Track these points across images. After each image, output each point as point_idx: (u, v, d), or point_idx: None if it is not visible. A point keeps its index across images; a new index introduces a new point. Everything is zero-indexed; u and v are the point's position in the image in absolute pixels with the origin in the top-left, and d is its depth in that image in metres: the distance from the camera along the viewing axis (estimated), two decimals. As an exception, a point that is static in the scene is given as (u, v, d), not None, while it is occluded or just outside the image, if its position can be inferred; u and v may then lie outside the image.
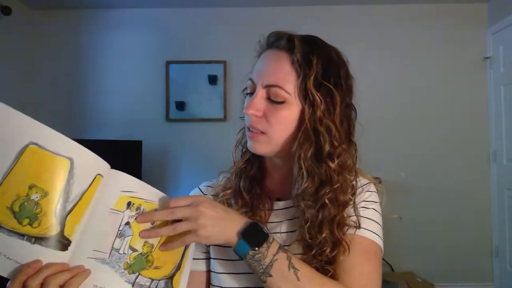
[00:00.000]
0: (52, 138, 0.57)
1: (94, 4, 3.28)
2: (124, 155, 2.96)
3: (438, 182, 3.18)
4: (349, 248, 0.68)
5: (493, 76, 3.16)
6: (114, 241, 0.60)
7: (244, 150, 0.81)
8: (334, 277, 0.68)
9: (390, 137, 3.22)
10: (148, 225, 0.64)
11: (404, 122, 3.23)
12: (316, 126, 0.68)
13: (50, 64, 3.34)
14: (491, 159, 3.17)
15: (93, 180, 0.58)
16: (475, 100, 3.23)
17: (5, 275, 0.54)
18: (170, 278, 0.67)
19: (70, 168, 0.56)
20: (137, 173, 2.90)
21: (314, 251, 0.68)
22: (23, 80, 3.22)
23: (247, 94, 0.76)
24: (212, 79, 3.28)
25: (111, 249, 0.60)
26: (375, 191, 0.77)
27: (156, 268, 0.64)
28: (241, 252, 0.63)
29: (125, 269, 0.60)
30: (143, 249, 0.62)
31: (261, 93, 0.71)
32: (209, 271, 0.79)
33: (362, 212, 0.73)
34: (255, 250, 0.62)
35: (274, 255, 0.62)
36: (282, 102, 0.69)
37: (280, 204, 0.78)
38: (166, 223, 0.64)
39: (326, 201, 0.68)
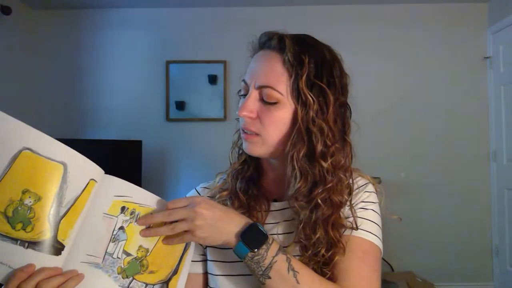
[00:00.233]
0: (46, 143, 0.56)
1: (94, 4, 3.28)
2: (124, 155, 2.96)
3: (438, 182, 3.18)
4: (345, 249, 0.67)
5: (493, 76, 3.16)
6: (107, 246, 0.60)
7: (240, 151, 0.81)
8: (332, 279, 0.67)
9: (390, 137, 3.22)
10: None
11: (404, 122, 3.23)
12: (309, 126, 0.67)
13: (50, 64, 3.34)
14: (491, 159, 3.17)
15: (86, 185, 0.59)
16: (475, 100, 3.22)
17: None
18: (166, 282, 0.66)
19: (63, 173, 0.57)
20: (137, 173, 2.91)
21: (309, 251, 0.67)
22: (22, 80, 3.22)
23: (241, 95, 0.75)
24: (212, 79, 3.28)
25: (105, 254, 0.60)
26: (373, 192, 0.76)
27: (150, 272, 0.64)
28: (239, 254, 0.62)
29: (119, 274, 0.60)
30: (137, 253, 0.62)
31: (254, 94, 0.71)
32: (206, 273, 0.79)
33: (360, 213, 0.72)
34: (254, 252, 0.61)
35: (274, 256, 0.61)
36: (275, 103, 0.69)
37: (277, 205, 0.78)
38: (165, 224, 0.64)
39: (319, 201, 0.67)
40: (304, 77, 0.67)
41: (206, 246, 0.78)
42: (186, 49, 3.32)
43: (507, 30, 2.98)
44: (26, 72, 3.26)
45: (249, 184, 0.79)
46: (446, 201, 3.16)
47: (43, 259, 0.55)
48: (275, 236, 0.74)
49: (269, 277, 0.61)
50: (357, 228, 0.70)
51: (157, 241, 0.65)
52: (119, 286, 0.60)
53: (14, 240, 0.54)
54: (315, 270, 0.67)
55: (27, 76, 3.26)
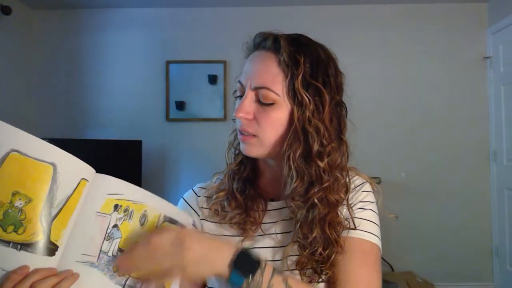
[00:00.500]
0: (34, 145, 0.56)
1: (94, 4, 3.28)
2: (124, 155, 2.96)
3: (438, 182, 3.18)
4: (342, 247, 0.68)
5: (493, 76, 3.16)
6: (102, 244, 0.60)
7: (236, 152, 0.81)
8: (333, 279, 0.68)
9: (390, 137, 3.22)
10: (137, 227, 0.63)
11: (404, 122, 3.23)
12: (305, 126, 0.67)
13: (50, 64, 3.34)
14: (491, 159, 3.17)
15: (77, 185, 0.58)
16: (475, 100, 3.22)
17: None
18: None
19: (53, 174, 0.56)
20: (137, 173, 2.91)
21: (307, 250, 0.67)
22: (22, 80, 3.22)
23: (237, 97, 0.75)
24: (212, 79, 3.28)
25: (100, 252, 0.60)
26: (371, 191, 0.76)
27: None
28: (235, 284, 0.59)
29: (115, 272, 0.60)
30: None
31: (250, 95, 0.70)
32: None
33: (359, 213, 0.72)
34: (250, 279, 0.58)
35: (270, 279, 0.59)
36: (271, 104, 0.69)
37: (274, 205, 0.78)
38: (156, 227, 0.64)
39: (316, 200, 0.67)
40: (299, 77, 0.67)
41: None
42: (186, 49, 3.32)
43: (507, 30, 2.98)
44: (26, 72, 3.26)
45: (246, 184, 0.79)
46: (446, 201, 3.16)
47: (37, 261, 0.55)
48: (274, 235, 0.75)
49: None
50: (355, 228, 0.70)
51: None
52: (115, 284, 0.60)
53: (6, 242, 0.53)
54: (314, 269, 0.67)
55: (27, 76, 3.26)
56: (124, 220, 0.62)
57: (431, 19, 3.25)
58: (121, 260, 0.59)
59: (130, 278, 0.62)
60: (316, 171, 0.68)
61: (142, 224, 0.64)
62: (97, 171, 0.62)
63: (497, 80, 3.11)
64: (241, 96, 0.73)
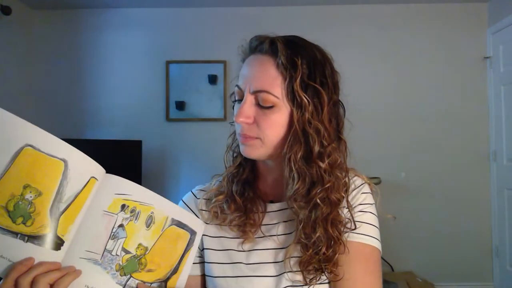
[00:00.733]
0: (47, 140, 0.58)
1: (94, 4, 3.28)
2: (124, 155, 2.96)
3: (438, 182, 3.18)
4: (345, 245, 0.69)
5: (493, 76, 3.16)
6: (107, 243, 0.61)
7: (235, 155, 0.81)
8: (335, 277, 0.68)
9: (389, 137, 3.22)
10: (143, 229, 0.64)
11: (404, 122, 3.23)
12: (305, 127, 0.67)
13: (50, 64, 3.34)
14: (491, 159, 3.17)
15: (87, 183, 0.60)
16: (475, 100, 3.22)
17: None
18: (165, 281, 0.67)
19: (64, 170, 0.58)
20: (137, 173, 2.91)
21: (310, 250, 0.68)
22: (22, 80, 3.22)
23: (235, 101, 0.75)
24: (212, 79, 3.28)
25: (104, 250, 0.61)
26: (369, 192, 0.77)
27: (148, 271, 0.64)
28: None
29: (117, 271, 0.61)
30: (136, 251, 0.63)
31: (249, 99, 0.70)
32: (204, 275, 0.79)
33: (360, 217, 0.73)
34: None
35: None
36: (271, 107, 0.69)
37: (274, 206, 0.78)
38: (159, 231, 0.65)
39: (318, 201, 0.68)
40: (298, 79, 0.67)
41: (203, 248, 0.78)
42: (186, 49, 3.32)
43: (507, 30, 2.98)
44: (26, 72, 3.26)
45: (245, 186, 0.79)
46: (446, 201, 3.16)
47: (42, 253, 0.56)
48: (275, 237, 0.75)
49: None
50: (355, 228, 0.71)
51: (157, 239, 0.66)
52: (116, 283, 0.61)
53: (15, 234, 0.55)
54: (316, 269, 0.68)
55: (27, 76, 3.26)
56: (130, 220, 0.63)
57: (431, 19, 3.25)
58: None
59: (131, 278, 0.62)
60: (318, 172, 0.68)
61: (148, 226, 0.64)
62: None
63: (497, 80, 3.11)
64: (239, 100, 0.73)
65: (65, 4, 3.27)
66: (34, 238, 0.56)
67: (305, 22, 3.24)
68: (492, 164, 3.16)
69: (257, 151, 0.72)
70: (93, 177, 0.61)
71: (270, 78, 0.68)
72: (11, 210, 0.55)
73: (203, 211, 0.81)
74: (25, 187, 0.55)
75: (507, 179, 3.01)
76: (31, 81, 3.29)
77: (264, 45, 0.71)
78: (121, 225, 0.62)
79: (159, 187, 3.23)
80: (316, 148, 0.67)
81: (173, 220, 0.68)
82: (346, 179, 0.72)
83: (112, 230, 0.61)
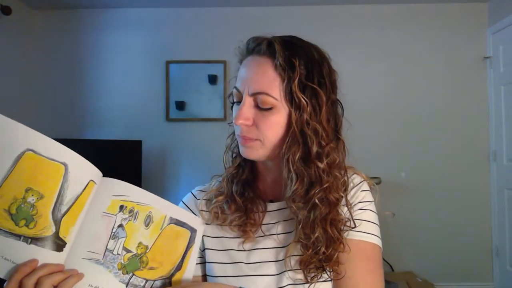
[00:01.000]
0: (48, 145, 0.59)
1: (94, 4, 3.29)
2: (124, 155, 2.96)
3: (438, 182, 3.18)
4: (344, 245, 0.69)
5: (493, 76, 3.16)
6: (108, 243, 0.63)
7: (234, 155, 0.81)
8: (336, 276, 0.69)
9: (390, 137, 3.22)
10: (142, 228, 0.65)
11: (404, 122, 3.23)
12: (303, 128, 0.68)
13: (50, 64, 3.34)
14: (491, 159, 3.17)
15: (86, 185, 0.61)
16: (475, 100, 3.23)
17: (2, 276, 0.56)
18: (169, 278, 0.68)
19: (64, 173, 0.59)
20: (137, 173, 2.91)
21: (310, 250, 0.68)
22: (22, 80, 3.22)
23: (234, 102, 0.75)
24: (212, 79, 3.28)
25: (105, 250, 0.62)
26: (368, 190, 0.77)
27: (150, 268, 0.66)
28: None
29: (119, 270, 0.63)
30: (137, 250, 0.65)
31: (248, 101, 0.70)
32: (205, 276, 0.79)
33: (360, 215, 0.73)
34: None
35: None
36: (270, 108, 0.69)
37: (273, 206, 0.79)
38: (159, 233, 0.66)
39: (317, 201, 0.68)
40: (296, 80, 0.67)
41: (204, 249, 0.79)
42: (186, 49, 3.32)
43: (507, 30, 2.98)
44: (26, 72, 3.26)
45: (245, 186, 0.79)
46: (446, 201, 3.16)
47: (45, 255, 0.57)
48: (275, 236, 0.75)
49: None
50: (355, 226, 0.71)
51: (157, 238, 0.67)
52: (119, 281, 0.62)
53: (18, 236, 0.56)
54: (316, 267, 0.68)
55: (27, 76, 3.26)
56: (129, 220, 0.64)
57: (431, 19, 3.25)
58: None
59: (133, 276, 0.64)
60: (316, 172, 0.68)
61: (147, 225, 0.66)
62: None
63: (497, 80, 3.12)
64: (238, 102, 0.73)
65: (65, 4, 3.27)
66: (37, 240, 0.57)
67: (305, 22, 3.24)
68: (492, 164, 3.16)
69: (257, 152, 0.72)
70: (92, 180, 0.62)
71: (269, 80, 0.68)
72: (13, 213, 0.56)
73: (204, 212, 0.81)
74: (27, 190, 0.57)
75: (507, 179, 3.01)
76: (31, 81, 3.29)
77: (261, 46, 0.71)
78: (120, 225, 0.64)
79: (159, 187, 3.24)
80: (314, 148, 0.68)
81: (171, 219, 0.69)
82: (345, 178, 0.73)
83: (112, 230, 0.63)
